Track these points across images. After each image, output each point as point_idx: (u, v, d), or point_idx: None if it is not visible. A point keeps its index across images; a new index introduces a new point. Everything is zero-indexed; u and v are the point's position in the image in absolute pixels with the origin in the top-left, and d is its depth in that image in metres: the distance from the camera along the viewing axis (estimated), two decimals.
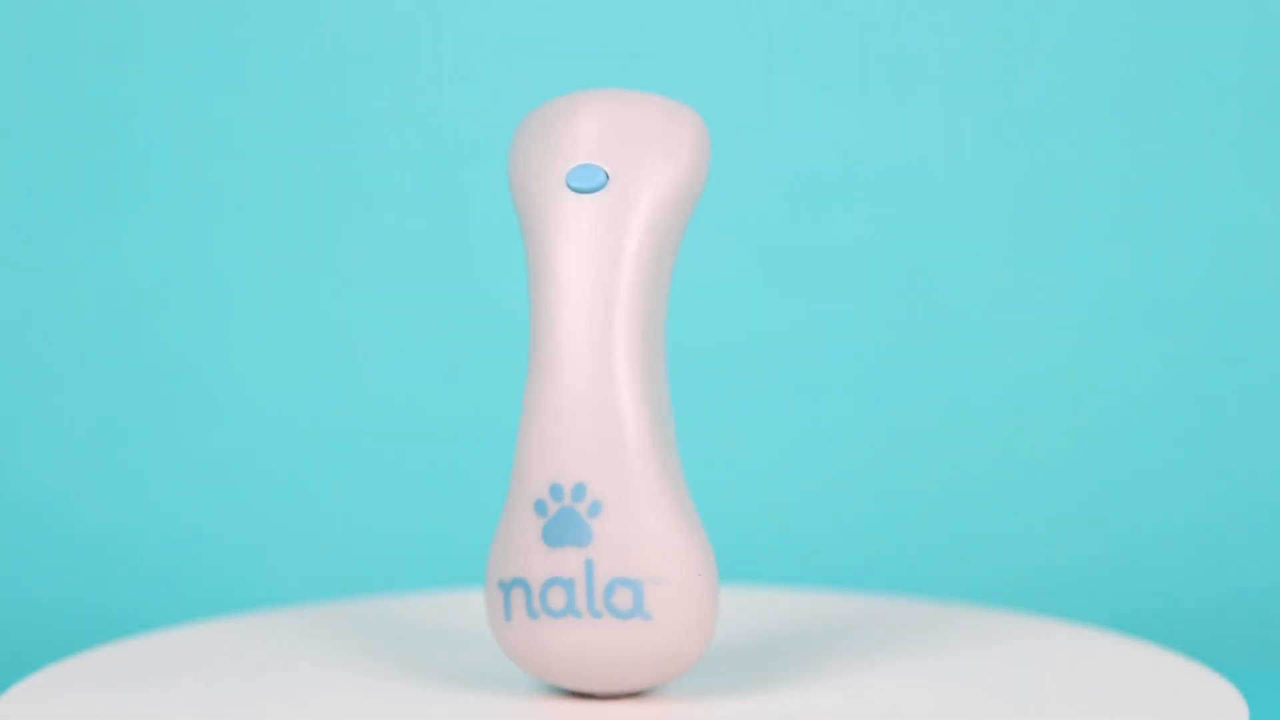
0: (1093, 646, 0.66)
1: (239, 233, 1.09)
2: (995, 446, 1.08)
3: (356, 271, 1.09)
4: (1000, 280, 1.09)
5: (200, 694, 0.60)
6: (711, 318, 1.08)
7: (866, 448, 1.08)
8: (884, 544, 1.05)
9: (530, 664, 0.58)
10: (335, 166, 1.09)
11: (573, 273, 0.56)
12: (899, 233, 1.09)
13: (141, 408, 1.07)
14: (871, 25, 1.09)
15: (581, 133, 0.58)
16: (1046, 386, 1.08)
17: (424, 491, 1.07)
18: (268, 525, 1.06)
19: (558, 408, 0.56)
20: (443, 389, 1.08)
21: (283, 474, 1.07)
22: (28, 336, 1.08)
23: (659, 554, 0.56)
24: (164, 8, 1.08)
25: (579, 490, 0.56)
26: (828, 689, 0.60)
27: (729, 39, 1.09)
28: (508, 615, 0.57)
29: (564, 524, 0.56)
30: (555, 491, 0.56)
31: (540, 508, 0.56)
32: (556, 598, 0.56)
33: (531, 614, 0.56)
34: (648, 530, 0.56)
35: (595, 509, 0.56)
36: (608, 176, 0.57)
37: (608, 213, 0.57)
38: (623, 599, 0.56)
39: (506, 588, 0.57)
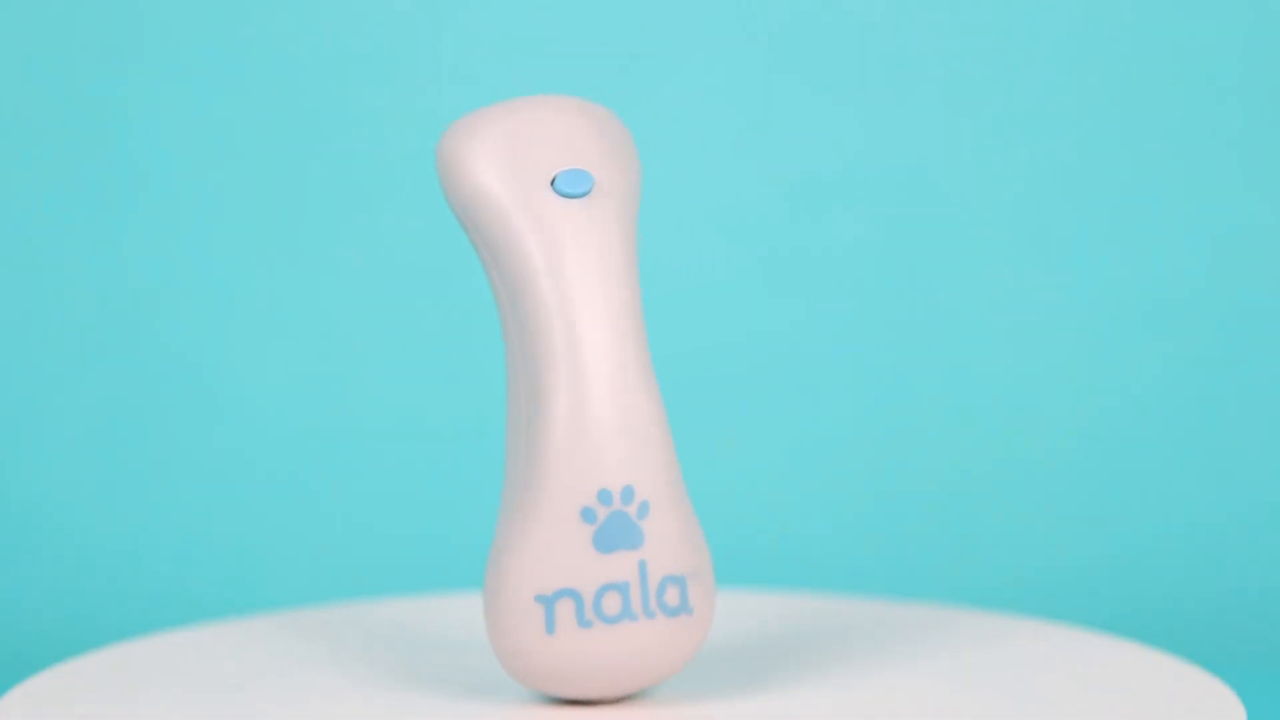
0: (1090, 649, 0.66)
1: (239, 233, 1.09)
2: (995, 446, 1.08)
3: (356, 271, 1.09)
4: (1000, 280, 1.09)
5: (200, 698, 0.60)
6: (712, 318, 1.08)
7: (866, 448, 1.08)
8: (884, 544, 1.05)
9: (572, 677, 0.57)
10: (335, 166, 1.09)
11: (582, 278, 0.56)
12: (899, 233, 1.09)
13: (141, 409, 1.07)
14: (871, 26, 1.09)
15: (562, 137, 0.57)
16: (1046, 386, 1.08)
17: (424, 493, 1.07)
18: (267, 527, 1.06)
19: (598, 416, 0.56)
20: (443, 390, 1.08)
21: (282, 476, 1.07)
22: (27, 337, 1.08)
23: (694, 548, 0.57)
24: (164, 8, 1.08)
25: (628, 493, 0.56)
26: (825, 692, 0.60)
27: (729, 39, 1.09)
28: (550, 628, 0.56)
29: (616, 528, 0.56)
30: (604, 497, 0.56)
31: (588, 515, 0.56)
32: (612, 603, 0.56)
33: (583, 623, 0.56)
34: (685, 526, 0.57)
35: (644, 510, 0.56)
36: (594, 180, 0.57)
37: (598, 216, 0.57)
38: (672, 596, 0.56)
39: (549, 600, 0.56)
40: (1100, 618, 0.90)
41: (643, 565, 0.56)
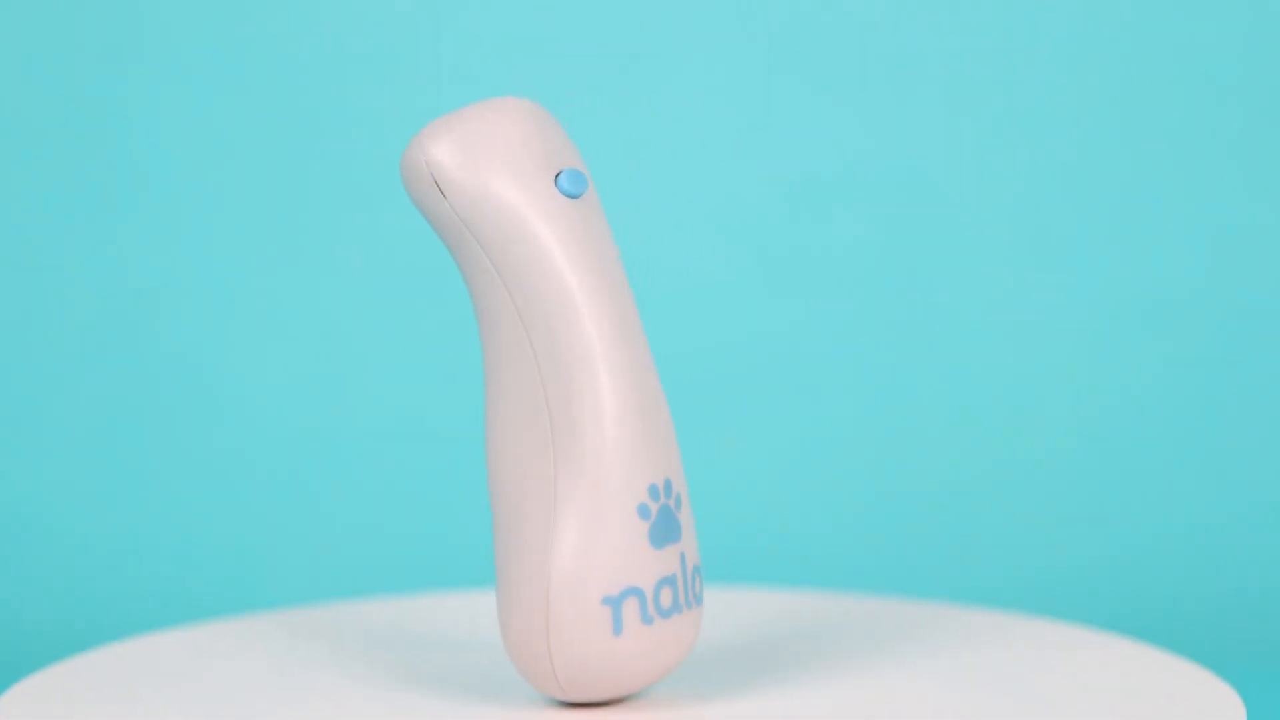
0: (1090, 648, 0.66)
1: (238, 233, 1.09)
2: (995, 446, 1.08)
3: (356, 272, 1.09)
4: (1000, 280, 1.09)
5: (198, 697, 0.60)
6: (712, 318, 1.08)
7: (866, 448, 1.08)
8: (883, 544, 1.05)
9: (632, 676, 0.56)
10: (335, 166, 1.09)
11: (594, 276, 0.56)
12: (899, 233, 1.09)
13: (141, 408, 1.07)
14: (871, 26, 1.09)
15: (538, 138, 0.56)
16: (1046, 386, 1.08)
17: (423, 493, 1.07)
18: (267, 527, 1.06)
19: (639, 411, 0.56)
20: (442, 390, 1.08)
21: (282, 476, 1.07)
22: (27, 337, 1.08)
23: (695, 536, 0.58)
24: (163, 8, 1.08)
25: (669, 487, 0.56)
26: (825, 691, 0.60)
27: (729, 39, 1.09)
28: (618, 629, 0.55)
29: (666, 523, 0.56)
30: (654, 492, 0.56)
31: (644, 512, 0.56)
32: (666, 598, 0.56)
33: (646, 620, 0.56)
34: (691, 515, 0.58)
35: (679, 502, 0.57)
36: (587, 179, 0.57)
37: (591, 213, 0.57)
38: (698, 585, 0.57)
39: (616, 601, 0.55)
40: (1100, 618, 0.90)
41: (683, 558, 0.56)
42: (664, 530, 0.56)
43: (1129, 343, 1.08)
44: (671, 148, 1.09)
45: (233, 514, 1.06)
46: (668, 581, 0.56)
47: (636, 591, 0.55)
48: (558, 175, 0.56)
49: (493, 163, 0.56)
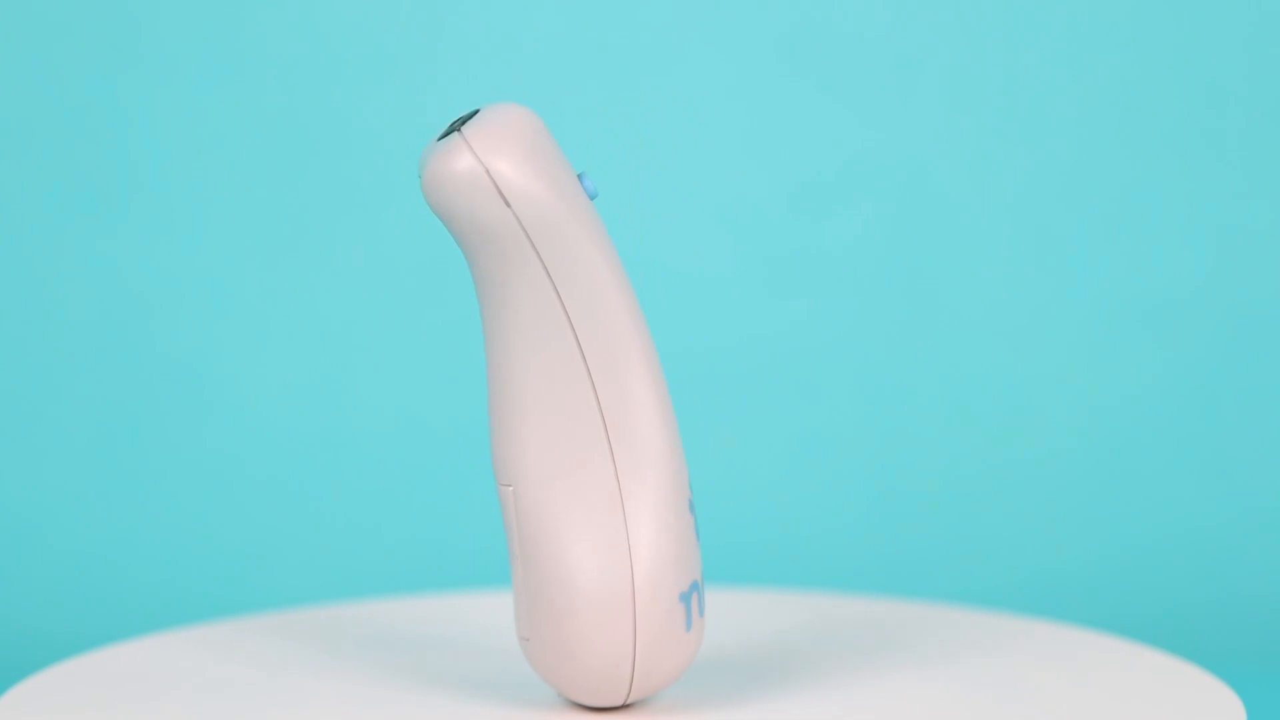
0: (1090, 650, 0.66)
1: (235, 235, 1.09)
2: (995, 446, 1.08)
3: (355, 272, 1.09)
4: (1000, 280, 1.09)
5: (197, 698, 0.60)
6: (712, 319, 1.08)
7: (866, 448, 1.08)
8: (883, 544, 1.05)
9: (681, 670, 0.57)
10: (334, 167, 1.09)
11: (624, 276, 0.56)
12: (899, 234, 1.09)
13: (138, 409, 1.07)
14: (873, 27, 1.09)
15: (547, 140, 0.56)
16: (1046, 386, 1.08)
17: (423, 494, 1.07)
18: (265, 529, 1.06)
19: (670, 407, 0.56)
20: (442, 390, 1.08)
21: (280, 477, 1.07)
22: (22, 339, 1.07)
23: None
24: (161, 9, 1.08)
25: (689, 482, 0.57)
26: (825, 692, 0.60)
27: (731, 40, 1.09)
28: (689, 624, 0.56)
29: (696, 517, 0.57)
30: (690, 487, 0.57)
31: (692, 506, 0.56)
32: (704, 593, 0.57)
33: (701, 613, 0.57)
34: None
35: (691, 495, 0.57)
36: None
37: (596, 212, 0.57)
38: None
39: (688, 597, 0.56)
40: (1100, 618, 0.90)
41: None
42: (696, 525, 0.57)
43: (1128, 343, 1.08)
44: (672, 148, 1.09)
45: (231, 515, 1.06)
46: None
47: (696, 586, 0.56)
48: (580, 177, 0.56)
49: (552, 170, 0.55)
